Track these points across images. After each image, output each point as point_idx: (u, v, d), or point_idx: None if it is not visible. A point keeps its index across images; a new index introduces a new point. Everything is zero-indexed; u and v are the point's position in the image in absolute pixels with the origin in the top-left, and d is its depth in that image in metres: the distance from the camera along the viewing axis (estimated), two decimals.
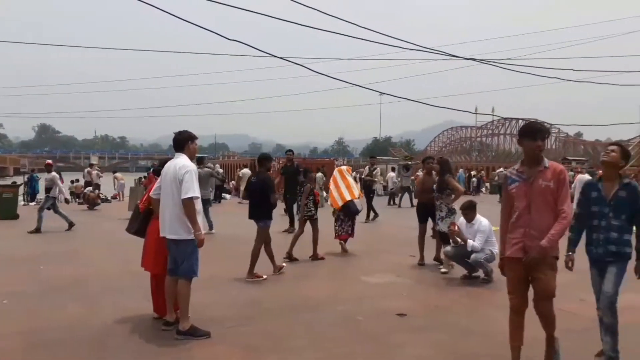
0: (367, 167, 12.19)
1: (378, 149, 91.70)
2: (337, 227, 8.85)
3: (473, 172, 33.71)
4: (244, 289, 6.33)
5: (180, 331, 4.48)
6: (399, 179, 21.11)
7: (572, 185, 13.00)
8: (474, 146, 75.93)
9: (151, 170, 7.47)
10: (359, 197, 8.85)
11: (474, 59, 9.09)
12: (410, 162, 25.92)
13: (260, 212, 6.87)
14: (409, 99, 10.68)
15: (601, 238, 3.73)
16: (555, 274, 3.58)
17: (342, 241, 8.92)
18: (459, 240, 6.80)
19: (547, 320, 3.66)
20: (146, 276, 5.14)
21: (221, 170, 23.04)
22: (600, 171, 4.62)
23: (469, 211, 6.84)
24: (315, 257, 8.20)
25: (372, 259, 8.67)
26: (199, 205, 4.49)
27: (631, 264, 3.74)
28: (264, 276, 6.84)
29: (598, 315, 3.83)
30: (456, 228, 6.89)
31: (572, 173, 18.67)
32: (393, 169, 27.67)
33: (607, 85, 15.37)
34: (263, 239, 6.91)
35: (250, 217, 7.02)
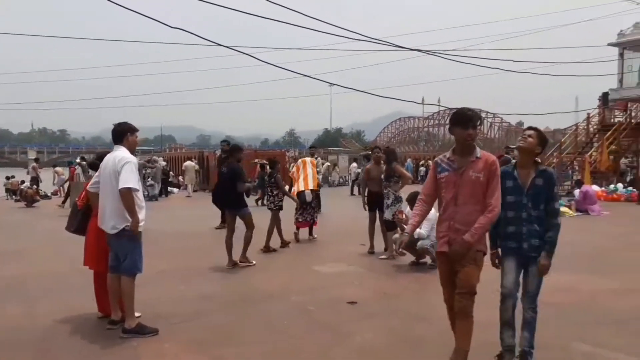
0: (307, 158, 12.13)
1: (329, 140, 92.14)
2: (297, 216, 9.24)
3: (421, 162, 34.58)
4: (193, 284, 6.20)
5: (127, 329, 4.33)
6: (361, 169, 21.25)
7: None
8: (421, 136, 77.62)
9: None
10: (312, 189, 9.31)
11: (419, 50, 9.27)
12: (370, 152, 26.26)
13: (232, 201, 7.13)
14: (357, 90, 10.77)
15: (524, 231, 3.44)
16: (478, 270, 3.38)
17: (297, 230, 9.25)
18: (406, 227, 6.93)
19: (464, 322, 3.38)
20: (91, 274, 4.94)
21: (164, 163, 22.39)
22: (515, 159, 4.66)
23: (414, 202, 6.98)
24: (267, 249, 8.23)
25: (324, 249, 8.72)
26: (141, 200, 4.36)
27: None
28: (254, 262, 7.22)
29: (500, 310, 3.56)
30: (403, 216, 7.03)
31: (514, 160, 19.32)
32: (355, 160, 27.92)
33: (546, 75, 16.16)
34: (252, 224, 7.18)
35: (222, 207, 7.32)
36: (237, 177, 7.05)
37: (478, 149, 3.42)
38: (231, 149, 7.75)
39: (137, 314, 4.49)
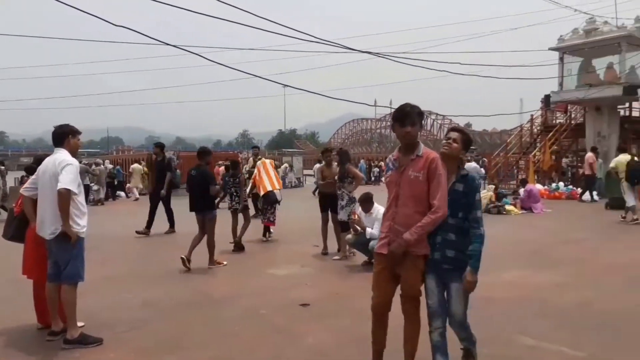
0: (250, 159, 11.90)
1: (283, 141, 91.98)
2: (260, 215, 9.68)
3: (374, 163, 35.16)
4: (139, 291, 5.99)
5: (69, 340, 4.13)
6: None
7: None
8: (374, 137, 78.73)
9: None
10: (279, 188, 9.44)
11: (369, 52, 9.35)
12: (322, 154, 26.42)
13: (202, 204, 7.21)
14: (309, 91, 10.76)
15: (438, 240, 3.13)
16: (420, 274, 3.20)
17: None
18: (359, 228, 7.02)
19: (410, 326, 3.26)
20: (26, 284, 4.68)
21: (110, 166, 21.62)
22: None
23: (366, 203, 7.08)
24: (238, 246, 8.45)
25: (279, 251, 8.68)
26: (83, 205, 4.20)
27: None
28: (225, 262, 7.31)
29: (429, 333, 3.24)
30: (356, 217, 7.11)
31: None
32: (319, 161, 27.98)
33: (493, 78, 16.69)
34: (213, 229, 7.27)
35: (192, 210, 7.29)
36: (208, 180, 7.21)
37: (421, 147, 3.22)
38: (200, 153, 7.71)
39: (79, 324, 4.29)
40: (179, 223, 10.49)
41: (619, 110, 19.78)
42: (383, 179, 3.60)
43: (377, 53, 9.63)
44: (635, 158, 12.28)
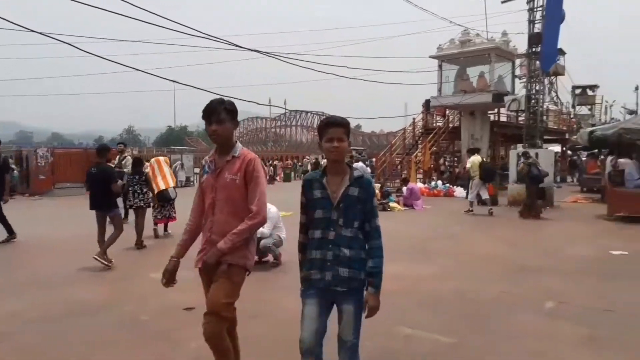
0: (117, 157, 11.20)
1: (173, 138, 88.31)
2: (155, 213, 9.39)
3: (268, 162, 35.17)
4: (2, 301, 5.38)
5: None
6: None
7: None
8: (269, 137, 78.73)
9: None
10: (173, 186, 9.53)
11: (258, 51, 9.29)
12: None
13: (103, 202, 7.11)
14: (198, 88, 10.39)
15: (329, 257, 2.54)
16: (232, 286, 2.84)
17: (157, 226, 9.45)
18: None
19: (214, 351, 2.87)
20: None
21: None
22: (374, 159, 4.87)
23: None
24: (140, 244, 8.42)
25: (162, 253, 8.26)
26: None
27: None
28: (111, 263, 6.96)
29: None
30: None
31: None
32: None
33: (380, 83, 17.57)
34: (121, 225, 7.29)
35: (92, 208, 7.14)
36: (110, 178, 7.15)
37: (238, 146, 2.92)
38: (99, 150, 7.59)
39: None
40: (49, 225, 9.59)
41: (489, 115, 21.80)
42: (198, 183, 3.09)
43: (267, 52, 9.61)
44: (484, 159, 14.21)
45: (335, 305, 2.65)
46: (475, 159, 13.53)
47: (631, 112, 38.13)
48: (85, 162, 18.69)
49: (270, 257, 7.05)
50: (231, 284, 2.85)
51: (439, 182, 20.24)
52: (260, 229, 6.72)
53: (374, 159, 26.79)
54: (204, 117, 2.85)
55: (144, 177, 8.97)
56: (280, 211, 7.32)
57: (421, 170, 22.29)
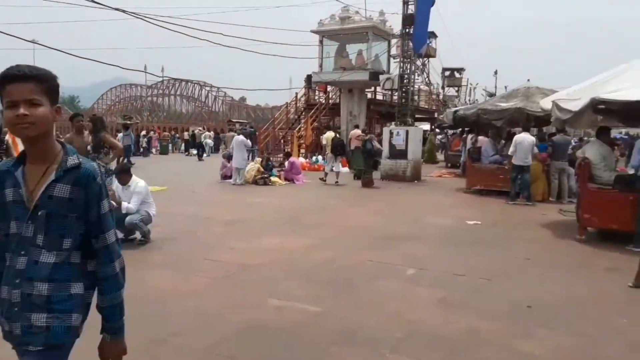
0: None
1: None
2: None
3: (143, 132, 33.16)
4: None
5: None
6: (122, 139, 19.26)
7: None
8: (144, 106, 74.27)
9: None
10: None
11: (123, 11, 8.50)
12: (129, 122, 24.92)
13: None
14: (62, 51, 9.32)
15: (14, 299, 1.62)
16: None
17: None
18: (114, 203, 6.51)
19: None
20: None
21: None
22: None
23: (123, 175, 6.61)
24: None
25: None
26: None
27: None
28: None
29: None
30: (110, 191, 6.56)
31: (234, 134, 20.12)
32: (118, 130, 25.26)
33: (266, 55, 17.30)
34: None
35: None
36: None
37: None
38: None
39: None
40: None
41: (366, 92, 22.67)
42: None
43: (133, 13, 8.86)
44: (337, 135, 16.20)
45: None
46: (329, 134, 14.80)
47: (491, 95, 42.23)
48: None
49: (137, 234, 6.68)
50: None
51: (320, 157, 20.72)
52: (126, 205, 6.38)
53: (256, 131, 26.59)
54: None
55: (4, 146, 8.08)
56: (154, 185, 6.95)
57: (304, 145, 22.63)
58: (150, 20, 9.04)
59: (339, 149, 15.11)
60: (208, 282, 5.02)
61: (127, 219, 6.35)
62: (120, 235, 6.71)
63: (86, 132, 7.31)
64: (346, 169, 17.43)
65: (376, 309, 4.38)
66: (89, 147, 7.10)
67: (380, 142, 15.47)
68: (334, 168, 14.87)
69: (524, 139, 10.90)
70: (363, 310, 4.36)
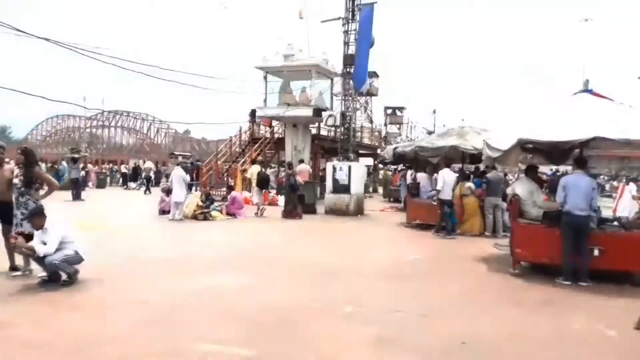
0: None
1: None
2: None
3: (81, 165, 31.71)
4: None
5: None
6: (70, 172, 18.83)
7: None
8: (83, 137, 71.44)
9: None
10: None
11: (47, 39, 8.03)
12: (77, 155, 24.81)
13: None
14: None
15: None
16: None
17: None
18: (29, 252, 6.14)
19: None
20: None
21: None
22: None
23: (36, 218, 6.15)
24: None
25: None
26: None
27: None
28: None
29: None
30: (16, 240, 6.13)
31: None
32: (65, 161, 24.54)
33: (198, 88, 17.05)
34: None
35: None
36: None
37: None
38: None
39: None
40: None
41: (310, 128, 22.88)
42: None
43: (57, 42, 8.35)
44: (263, 170, 17.26)
45: None
46: (254, 169, 15.54)
47: (430, 132, 43.85)
48: None
49: (63, 275, 6.22)
50: None
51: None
52: (43, 248, 5.95)
53: (200, 163, 26.06)
54: None
55: None
56: (87, 221, 6.53)
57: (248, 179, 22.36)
58: (76, 49, 8.65)
59: (262, 183, 15.90)
60: (132, 327, 4.70)
61: (46, 260, 5.92)
62: (44, 274, 6.26)
63: (11, 166, 6.88)
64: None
65: (312, 352, 4.23)
66: (16, 181, 6.65)
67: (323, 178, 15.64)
68: (254, 200, 16.06)
69: (450, 175, 11.59)
70: (298, 352, 4.21)
